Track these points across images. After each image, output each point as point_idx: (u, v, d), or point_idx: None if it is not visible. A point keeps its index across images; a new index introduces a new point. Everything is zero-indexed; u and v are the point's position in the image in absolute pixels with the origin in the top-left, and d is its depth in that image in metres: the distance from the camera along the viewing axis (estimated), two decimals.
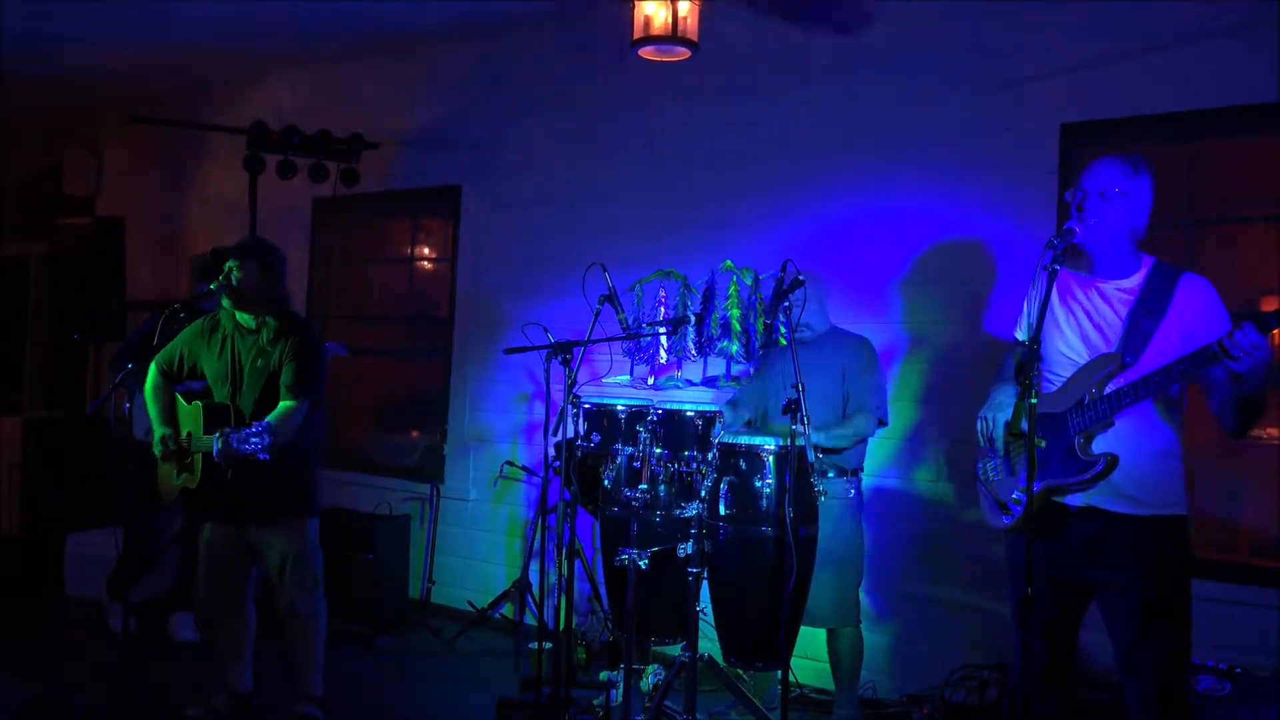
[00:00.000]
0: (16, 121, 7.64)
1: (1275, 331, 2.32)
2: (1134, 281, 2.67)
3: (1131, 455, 2.56)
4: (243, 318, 3.67)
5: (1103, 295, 2.70)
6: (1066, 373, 2.68)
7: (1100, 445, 2.58)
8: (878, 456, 4.20)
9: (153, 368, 3.77)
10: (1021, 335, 2.96)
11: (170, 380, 3.75)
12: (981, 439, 2.84)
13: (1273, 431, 3.66)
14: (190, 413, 3.66)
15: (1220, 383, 2.54)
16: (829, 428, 3.66)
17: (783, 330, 4.07)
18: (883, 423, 3.80)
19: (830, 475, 3.67)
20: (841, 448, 3.68)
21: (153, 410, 3.72)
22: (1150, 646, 2.58)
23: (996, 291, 4.05)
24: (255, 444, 3.30)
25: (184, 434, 3.66)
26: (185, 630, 4.87)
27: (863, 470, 3.82)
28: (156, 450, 3.67)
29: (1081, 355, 2.68)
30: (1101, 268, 2.71)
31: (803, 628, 3.43)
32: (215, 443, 3.36)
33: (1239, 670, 3.19)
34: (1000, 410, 2.80)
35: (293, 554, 3.66)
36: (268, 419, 3.44)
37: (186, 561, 4.95)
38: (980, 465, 2.88)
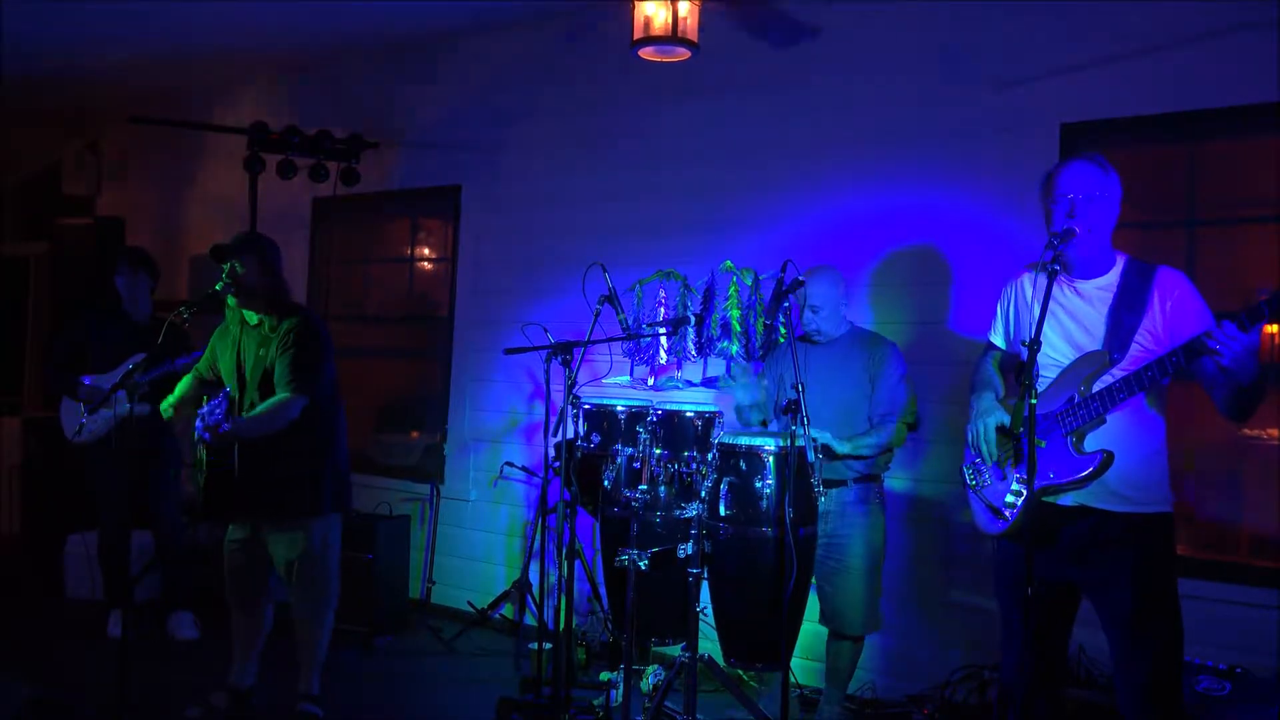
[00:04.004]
0: (16, 121, 7.64)
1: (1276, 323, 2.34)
2: (1110, 279, 2.69)
3: (1123, 453, 2.57)
4: (247, 314, 3.67)
5: (1080, 294, 2.71)
6: (1050, 374, 2.69)
7: (1092, 443, 2.59)
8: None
9: (188, 377, 3.84)
10: (997, 339, 2.99)
11: (206, 386, 3.80)
12: (973, 449, 2.84)
13: (1273, 431, 3.66)
14: None
15: (1217, 380, 2.54)
16: (852, 436, 3.57)
17: (783, 331, 4.09)
18: (913, 427, 3.73)
19: (849, 482, 3.62)
20: (866, 456, 3.61)
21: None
22: (1144, 644, 2.58)
23: (999, 292, 4.04)
24: (214, 417, 3.28)
25: None
26: (184, 629, 4.88)
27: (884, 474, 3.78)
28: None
29: (1066, 355, 2.69)
30: (1079, 268, 2.72)
31: (803, 627, 3.43)
32: (197, 423, 3.37)
33: (1239, 670, 3.19)
34: (990, 415, 2.79)
35: (296, 557, 3.65)
36: (262, 405, 3.43)
37: (178, 565, 4.96)
38: (968, 471, 2.87)
